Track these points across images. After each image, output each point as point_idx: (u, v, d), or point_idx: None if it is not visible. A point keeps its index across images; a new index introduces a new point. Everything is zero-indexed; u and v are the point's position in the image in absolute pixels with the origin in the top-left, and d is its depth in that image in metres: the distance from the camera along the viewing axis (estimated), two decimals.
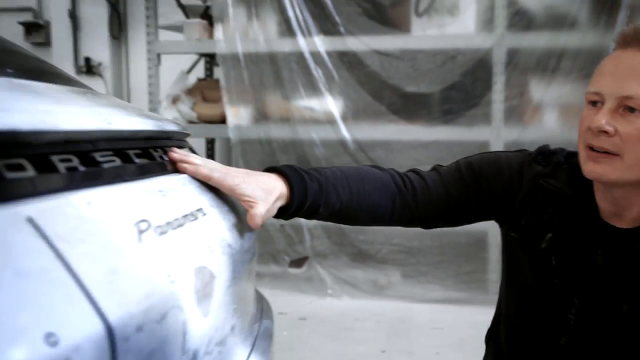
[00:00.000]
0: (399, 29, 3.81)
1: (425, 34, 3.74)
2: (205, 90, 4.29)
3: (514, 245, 1.18)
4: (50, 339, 0.47)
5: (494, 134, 3.51)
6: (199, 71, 4.86)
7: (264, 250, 3.86)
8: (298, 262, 3.95)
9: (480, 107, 3.61)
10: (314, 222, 3.78)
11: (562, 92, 3.46)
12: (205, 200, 0.91)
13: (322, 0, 3.72)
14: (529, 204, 1.13)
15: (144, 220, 0.69)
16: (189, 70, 4.64)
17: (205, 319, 0.73)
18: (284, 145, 3.91)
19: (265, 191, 0.96)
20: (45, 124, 0.64)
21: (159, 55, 4.09)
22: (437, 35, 3.73)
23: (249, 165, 3.88)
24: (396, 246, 3.73)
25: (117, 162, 0.76)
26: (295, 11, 3.75)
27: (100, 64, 4.95)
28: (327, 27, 3.76)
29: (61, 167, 0.65)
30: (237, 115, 3.93)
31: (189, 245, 0.76)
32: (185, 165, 0.92)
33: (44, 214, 0.55)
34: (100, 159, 0.73)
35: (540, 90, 3.51)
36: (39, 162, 0.63)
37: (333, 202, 1.05)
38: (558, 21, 3.46)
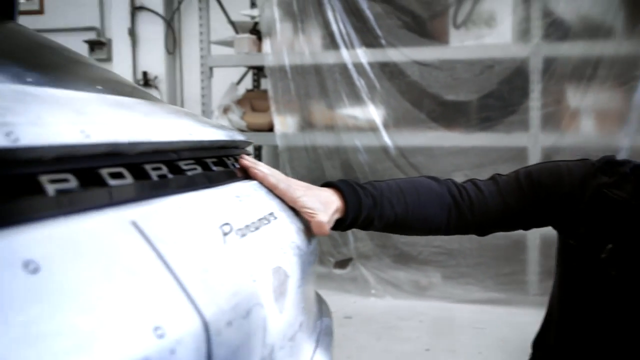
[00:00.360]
0: (438, 41, 3.79)
1: (463, 45, 3.72)
2: (253, 100, 4.35)
3: (571, 253, 1.15)
4: (158, 332, 0.50)
5: (532, 140, 3.46)
6: (247, 83, 4.93)
7: None
8: (342, 263, 3.96)
9: (517, 114, 3.56)
10: None
11: (599, 99, 3.39)
12: (274, 204, 0.93)
13: (364, 14, 3.73)
14: (590, 213, 1.10)
15: (226, 224, 0.71)
16: (238, 82, 4.71)
17: (280, 316, 0.75)
18: (329, 151, 3.92)
19: (323, 204, 0.99)
20: (139, 136, 0.67)
21: (211, 69, 4.17)
22: (474, 46, 3.70)
23: (295, 170, 3.92)
24: (437, 248, 3.70)
25: (199, 169, 0.79)
26: (338, 25, 3.78)
27: (156, 77, 5.06)
28: (369, 39, 3.77)
29: (153, 174, 0.67)
30: (284, 124, 3.97)
31: (266, 247, 0.78)
32: (256, 171, 0.95)
33: (144, 217, 0.58)
34: (185, 167, 0.76)
35: (577, 98, 3.45)
36: (135, 170, 0.66)
37: (387, 215, 1.06)
38: (594, 30, 3.39)
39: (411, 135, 3.72)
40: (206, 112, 4.20)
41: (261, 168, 0.97)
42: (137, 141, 0.66)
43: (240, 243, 0.71)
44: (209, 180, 0.78)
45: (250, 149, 1.30)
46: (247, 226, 0.75)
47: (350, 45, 3.79)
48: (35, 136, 0.53)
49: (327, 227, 0.97)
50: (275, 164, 4.64)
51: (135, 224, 0.56)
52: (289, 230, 0.90)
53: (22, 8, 4.92)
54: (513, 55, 3.55)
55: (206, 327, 0.55)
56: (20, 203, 0.48)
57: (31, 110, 0.57)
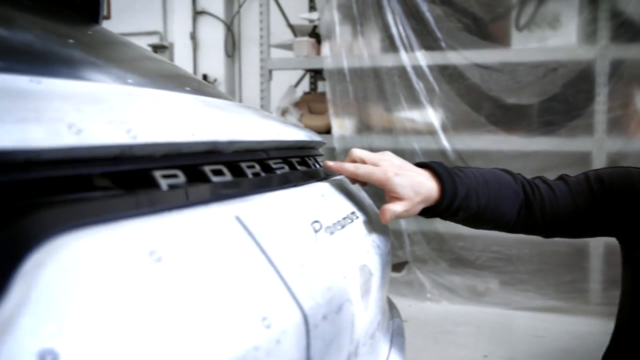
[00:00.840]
0: (499, 43, 3.73)
1: (526, 47, 3.65)
2: (311, 103, 4.38)
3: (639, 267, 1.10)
4: (265, 322, 0.52)
5: (596, 145, 3.37)
6: (305, 86, 4.98)
7: None
8: (398, 267, 3.95)
9: (582, 118, 3.48)
10: (413, 228, 3.79)
11: None
12: (355, 204, 0.94)
13: (424, 17, 3.71)
14: None
15: (316, 221, 0.73)
16: (296, 85, 4.76)
17: (365, 313, 0.77)
18: None
19: (414, 191, 0.92)
20: (235, 135, 0.70)
21: (270, 71, 4.22)
22: (537, 48, 3.63)
23: None
24: (495, 253, 3.65)
25: (286, 168, 0.81)
26: (398, 28, 3.77)
27: (215, 80, 5.17)
28: (429, 42, 3.75)
29: (248, 172, 0.70)
30: (342, 126, 3.99)
31: (352, 245, 0.79)
32: (344, 169, 0.94)
33: (246, 212, 0.61)
34: (274, 166, 0.78)
35: None
36: (231, 168, 0.68)
37: (472, 207, 1.01)
38: None
39: (470, 138, 3.68)
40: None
41: (347, 167, 0.94)
42: (233, 140, 0.69)
43: (329, 240, 0.73)
44: (296, 179, 0.81)
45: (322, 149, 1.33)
46: (334, 224, 0.77)
47: (409, 48, 3.78)
48: (151, 133, 0.56)
49: (389, 217, 0.91)
50: None
51: (239, 219, 0.59)
52: (370, 230, 0.91)
53: None
54: (578, 58, 3.47)
55: (305, 319, 0.57)
56: (141, 196, 0.52)
57: (143, 110, 0.60)
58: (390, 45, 3.85)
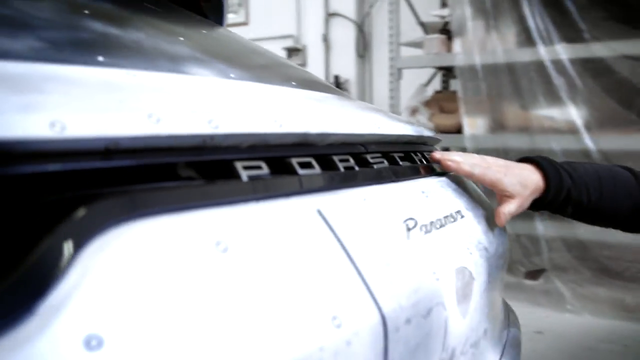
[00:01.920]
0: None
1: None
2: (442, 101, 4.28)
3: None
4: (335, 321, 0.50)
5: None
6: (436, 84, 4.88)
7: None
8: (534, 274, 3.73)
9: None
10: (552, 234, 3.56)
11: None
12: (462, 203, 0.90)
13: (565, 7, 3.48)
14: None
15: (411, 219, 0.70)
16: (427, 84, 4.67)
17: (463, 320, 0.72)
18: (521, 155, 3.71)
19: (523, 186, 0.94)
20: (328, 128, 0.69)
21: (400, 70, 4.18)
22: None
23: None
24: None
25: (385, 163, 0.78)
26: (535, 20, 3.57)
27: (347, 80, 5.23)
28: (570, 34, 3.50)
29: (340, 166, 0.68)
30: (474, 125, 3.86)
31: (451, 246, 0.75)
32: (448, 162, 0.92)
33: (330, 207, 0.59)
34: (372, 160, 0.76)
35: None
36: (323, 161, 0.67)
37: (582, 200, 0.99)
38: None
39: (618, 138, 3.39)
40: (394, 112, 4.23)
41: (454, 157, 0.93)
42: (326, 132, 0.67)
43: (424, 239, 0.69)
44: (395, 174, 0.78)
45: (438, 147, 1.28)
46: (432, 223, 0.73)
47: (548, 41, 3.56)
48: (234, 124, 0.56)
49: (504, 219, 0.92)
50: None
51: (320, 213, 0.57)
52: (475, 230, 0.86)
53: (231, 22, 5.39)
54: None
55: (384, 321, 0.55)
56: (218, 186, 0.52)
57: (230, 101, 0.61)
58: (526, 39, 3.65)
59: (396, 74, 4.17)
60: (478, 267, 0.79)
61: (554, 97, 3.56)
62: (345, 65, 5.23)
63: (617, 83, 3.42)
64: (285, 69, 1.05)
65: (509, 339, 1.02)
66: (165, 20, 1.00)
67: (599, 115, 3.47)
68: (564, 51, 3.51)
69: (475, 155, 0.97)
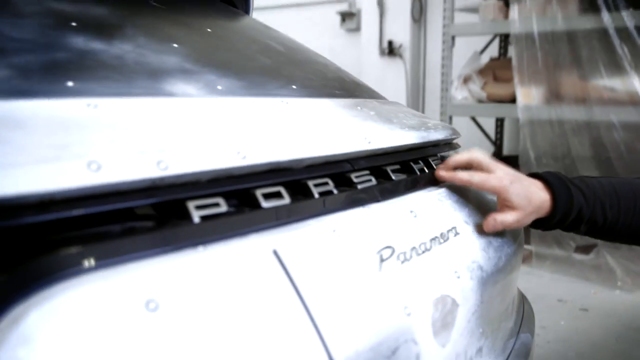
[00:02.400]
0: None
1: None
2: (496, 70, 4.10)
3: None
4: None
5: None
6: (492, 50, 4.66)
7: (548, 233, 3.59)
8: (585, 249, 3.59)
9: None
10: None
11: None
12: (461, 216, 0.84)
13: None
14: None
15: (388, 247, 0.66)
16: (483, 50, 4.48)
17: (443, 349, 0.68)
18: (577, 127, 3.53)
19: (527, 199, 0.87)
20: (304, 151, 0.65)
21: (453, 38, 4.03)
22: None
23: (537, 145, 3.63)
24: None
25: (372, 181, 0.74)
26: None
27: (400, 46, 5.08)
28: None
29: (315, 192, 0.65)
30: (528, 95, 3.68)
31: (433, 273, 0.71)
32: (441, 173, 0.88)
33: (289, 245, 0.56)
34: (356, 180, 0.72)
35: None
36: (297, 186, 0.64)
37: (597, 219, 0.91)
38: None
39: None
40: (445, 82, 4.10)
41: (460, 176, 0.88)
42: (299, 158, 0.64)
43: (399, 270, 0.65)
44: (382, 193, 0.74)
45: (457, 143, 1.22)
46: (413, 248, 0.69)
47: (613, 8, 3.32)
48: (187, 163, 0.53)
49: (493, 228, 0.87)
50: (516, 137, 4.35)
51: (276, 254, 0.55)
52: (471, 248, 0.81)
53: None
54: None
55: None
56: (154, 235, 0.50)
57: (190, 132, 0.58)
58: (589, 5, 3.43)
59: (449, 42, 4.02)
60: (466, 291, 0.74)
61: (616, 67, 3.34)
62: (400, 30, 5.07)
63: None
64: (291, 68, 1.00)
65: (515, 349, 0.97)
66: (169, 18, 0.97)
67: None
68: (630, 18, 3.28)
69: (486, 157, 0.91)
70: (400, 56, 5.11)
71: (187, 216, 0.53)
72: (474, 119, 4.61)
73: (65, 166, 0.47)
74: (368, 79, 5.27)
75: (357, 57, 5.38)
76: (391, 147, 0.81)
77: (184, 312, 0.46)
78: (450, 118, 4.11)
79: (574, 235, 3.56)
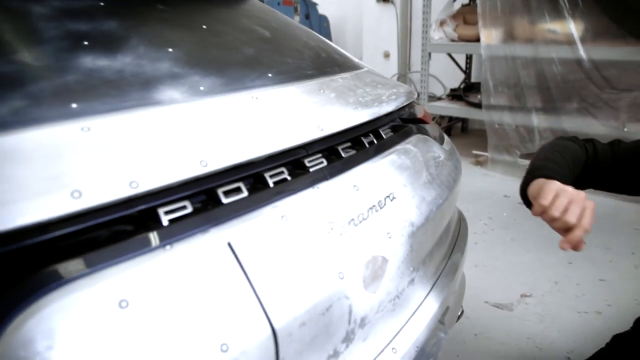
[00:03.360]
0: None
1: None
2: (466, 14, 3.80)
3: None
4: (223, 347, 0.46)
5: None
6: None
7: (500, 143, 3.49)
8: (527, 155, 3.49)
9: None
10: (543, 125, 3.26)
11: None
12: (400, 180, 0.78)
13: None
14: None
15: (329, 222, 0.62)
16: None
17: (374, 295, 0.66)
18: (526, 62, 3.32)
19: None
20: (260, 150, 0.59)
21: None
22: None
23: (495, 77, 3.44)
24: None
25: (323, 163, 0.69)
26: None
27: None
28: None
29: (270, 182, 0.60)
30: (489, 36, 3.43)
31: (367, 239, 0.66)
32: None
33: (241, 236, 0.52)
34: (309, 164, 0.66)
35: None
36: (256, 178, 0.59)
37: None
38: None
39: (607, 50, 2.93)
40: (426, 25, 3.84)
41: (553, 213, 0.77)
42: (256, 157, 0.59)
43: (337, 242, 0.61)
44: (330, 172, 0.68)
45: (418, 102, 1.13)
46: (351, 220, 0.65)
47: None
48: (155, 179, 0.49)
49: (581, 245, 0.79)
50: (479, 70, 4.12)
51: (230, 246, 0.51)
52: (405, 209, 0.76)
53: None
54: None
55: (274, 333, 0.50)
56: (129, 242, 0.47)
57: (158, 148, 0.53)
58: None
59: None
60: (396, 247, 0.70)
61: (557, 14, 3.07)
62: None
63: (612, 2, 2.88)
64: (272, 54, 0.89)
65: (445, 269, 0.94)
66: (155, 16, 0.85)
67: (593, 29, 2.99)
68: None
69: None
70: (393, 3, 4.75)
71: (158, 220, 0.49)
72: (449, 55, 4.36)
73: (53, 198, 0.43)
74: (368, 23, 4.94)
75: (359, 4, 5.04)
76: (343, 129, 0.74)
77: (152, 306, 0.44)
78: (430, 54, 3.90)
79: (519, 145, 3.47)
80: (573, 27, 2.98)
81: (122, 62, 0.66)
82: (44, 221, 0.42)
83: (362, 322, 0.64)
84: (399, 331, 0.73)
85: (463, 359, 1.49)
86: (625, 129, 2.93)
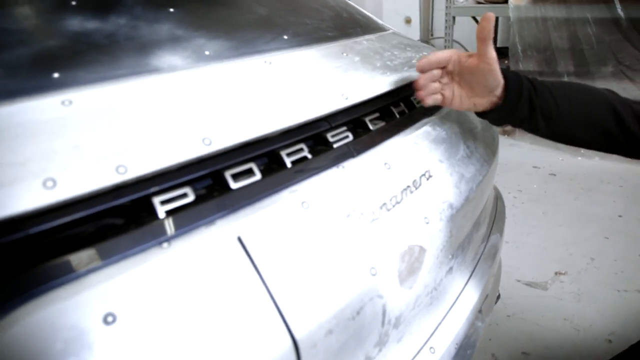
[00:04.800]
0: None
1: None
2: None
3: None
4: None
5: None
6: None
7: None
8: None
9: None
10: None
11: None
12: (436, 156, 0.68)
13: None
14: None
15: (357, 208, 0.52)
16: None
17: (410, 290, 0.57)
18: (558, 23, 3.10)
19: (485, 75, 0.66)
20: (275, 124, 0.50)
21: None
22: None
23: (524, 40, 3.23)
24: None
25: (349, 137, 0.59)
26: None
27: None
28: None
29: (288, 161, 0.51)
30: None
31: (401, 226, 0.57)
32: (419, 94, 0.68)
33: (253, 229, 0.43)
34: (332, 139, 0.57)
35: None
36: (272, 157, 0.50)
37: (549, 107, 0.69)
38: None
39: None
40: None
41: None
42: (270, 132, 0.49)
43: (366, 231, 0.52)
44: (357, 148, 0.58)
45: None
46: (383, 205, 0.55)
47: None
48: (147, 163, 0.40)
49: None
50: (507, 32, 3.89)
51: (240, 240, 0.42)
52: (443, 189, 0.66)
53: None
54: None
55: (296, 345, 0.41)
56: (114, 241, 0.38)
57: (153, 127, 0.44)
58: None
59: None
60: (434, 234, 0.60)
61: None
62: None
63: None
64: (287, 15, 0.79)
65: (484, 253, 0.84)
66: None
67: None
68: None
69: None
70: None
71: (153, 212, 0.40)
72: (473, 18, 4.13)
73: (21, 189, 0.34)
74: None
75: None
76: (370, 98, 0.64)
77: (145, 321, 0.35)
78: (454, 18, 3.69)
79: None
80: None
81: (115, 24, 0.56)
82: (8, 218, 0.33)
83: (397, 322, 0.56)
84: (436, 328, 0.64)
85: (496, 342, 1.40)
86: None
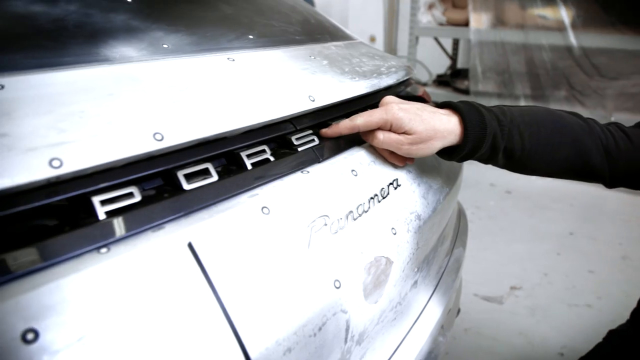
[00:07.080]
0: None
1: None
2: None
3: None
4: None
5: None
6: None
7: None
8: None
9: None
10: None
11: None
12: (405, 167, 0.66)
13: None
14: None
15: (322, 216, 0.49)
16: None
17: (375, 305, 0.53)
18: (516, 48, 3.22)
19: (426, 125, 0.59)
20: (235, 122, 0.46)
21: None
22: None
23: (484, 62, 3.33)
24: None
25: (315, 141, 0.55)
26: None
27: None
28: None
29: (248, 163, 0.47)
30: (479, 21, 3.32)
31: (367, 236, 0.53)
32: (340, 131, 0.58)
33: (205, 235, 0.39)
34: (297, 142, 0.53)
35: None
36: (230, 158, 0.46)
37: (514, 147, 0.63)
38: None
39: (597, 37, 2.84)
40: (414, 7, 3.70)
41: (342, 125, 0.58)
42: (229, 130, 0.45)
43: (331, 241, 0.48)
44: (323, 153, 0.55)
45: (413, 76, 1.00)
46: (349, 213, 0.52)
47: None
48: (88, 156, 0.35)
49: (371, 140, 0.60)
50: (468, 54, 4.01)
51: (191, 247, 0.38)
52: (410, 199, 0.63)
53: None
54: None
55: None
56: (43, 246, 0.33)
57: (91, 118, 0.39)
58: None
59: None
60: (402, 245, 0.58)
61: None
62: None
63: None
64: (255, 15, 0.75)
65: (447, 266, 0.82)
66: None
67: (584, 15, 2.89)
68: None
69: (393, 98, 0.63)
70: None
71: (92, 213, 0.35)
72: (436, 39, 4.23)
73: None
74: (354, 5, 4.77)
75: None
76: (338, 101, 0.61)
77: (74, 339, 0.30)
78: (417, 38, 3.76)
79: None
80: (564, 13, 2.89)
81: (64, 9, 0.51)
82: None
83: (360, 338, 0.52)
84: (399, 344, 0.60)
85: (453, 357, 1.39)
86: (613, 118, 2.86)
